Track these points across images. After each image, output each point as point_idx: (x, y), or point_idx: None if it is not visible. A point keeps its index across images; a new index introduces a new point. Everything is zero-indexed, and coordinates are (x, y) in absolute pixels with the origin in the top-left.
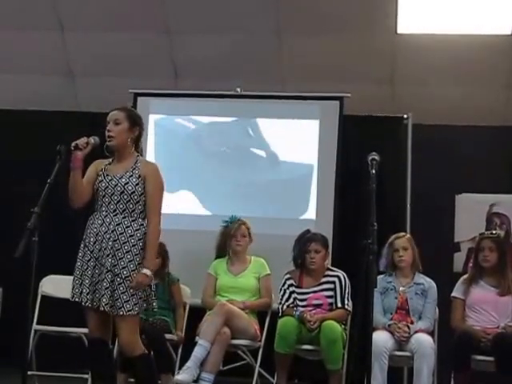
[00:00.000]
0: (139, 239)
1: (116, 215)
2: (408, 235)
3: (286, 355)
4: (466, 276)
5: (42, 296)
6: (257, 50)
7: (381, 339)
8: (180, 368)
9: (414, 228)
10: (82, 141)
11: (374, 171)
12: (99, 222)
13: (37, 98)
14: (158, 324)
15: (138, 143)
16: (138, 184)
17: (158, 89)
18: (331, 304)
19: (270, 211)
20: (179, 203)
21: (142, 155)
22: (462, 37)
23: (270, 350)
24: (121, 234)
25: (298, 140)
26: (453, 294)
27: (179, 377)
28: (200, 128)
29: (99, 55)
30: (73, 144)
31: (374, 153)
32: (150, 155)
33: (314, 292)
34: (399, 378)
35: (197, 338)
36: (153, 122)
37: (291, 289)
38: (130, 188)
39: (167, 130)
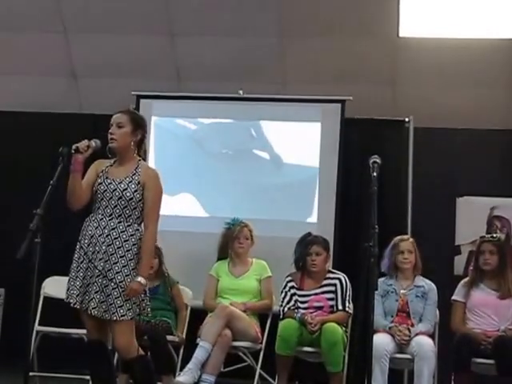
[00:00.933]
0: (133, 244)
1: (112, 219)
2: (411, 238)
3: (287, 357)
4: (466, 279)
5: (44, 297)
6: (259, 53)
7: (381, 342)
8: (181, 369)
9: (414, 231)
10: (82, 144)
11: (375, 174)
12: (94, 224)
13: (40, 99)
14: (159, 325)
15: (140, 146)
16: (136, 190)
17: (160, 91)
18: (332, 306)
19: (271, 213)
20: (181, 205)
21: (145, 158)
22: (464, 40)
23: (270, 352)
24: (115, 238)
25: (299, 143)
26: (453, 297)
27: (180, 378)
28: (201, 130)
29: (102, 57)
30: (73, 147)
31: (375, 156)
32: (152, 157)
33: (315, 294)
34: (400, 381)
35: (198, 339)
36: (154, 123)
37: (292, 291)
38: (128, 194)
39: (169, 132)
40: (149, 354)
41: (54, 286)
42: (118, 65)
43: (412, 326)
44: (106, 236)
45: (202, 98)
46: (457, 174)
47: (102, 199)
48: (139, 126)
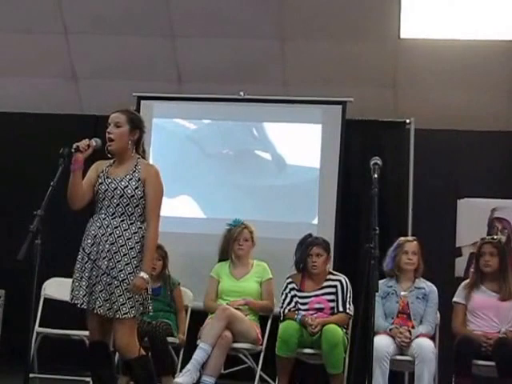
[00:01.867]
0: (137, 242)
1: (114, 218)
2: (416, 240)
3: (288, 359)
4: (467, 281)
5: (45, 298)
6: (260, 54)
7: (382, 343)
8: (181, 371)
9: (415, 232)
10: (83, 143)
11: (376, 176)
12: (97, 224)
13: (40, 100)
14: (160, 327)
15: (138, 146)
16: (137, 187)
17: (161, 92)
18: (333, 308)
19: (271, 215)
20: (182, 206)
21: (144, 157)
22: (465, 42)
23: (271, 354)
24: (118, 236)
25: (300, 144)
26: (454, 299)
27: (179, 379)
28: (202, 131)
29: (103, 58)
30: (74, 146)
31: (376, 157)
32: (152, 158)
33: (316, 296)
34: (400, 383)
35: (198, 341)
36: (155, 125)
37: (293, 293)
38: (129, 191)
39: (169, 133)
40: (149, 354)
41: (55, 288)
42: (119, 66)
43: (412, 327)
44: (109, 235)
45: (203, 99)
46: (458, 175)
47: (104, 199)
48: (137, 125)
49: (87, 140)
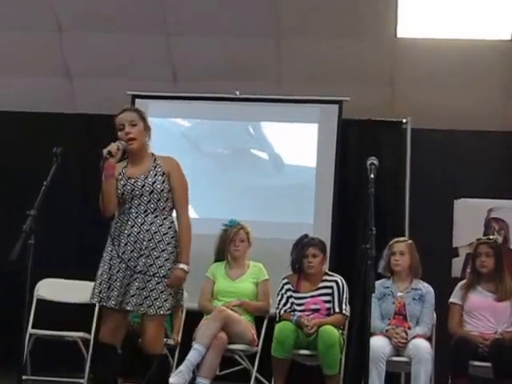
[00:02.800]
0: (172, 237)
1: (147, 215)
2: (409, 241)
3: (284, 360)
4: (463, 282)
5: (38, 300)
6: (256, 53)
7: (378, 344)
8: None
9: (412, 233)
10: (113, 147)
11: (372, 176)
12: (130, 223)
13: (34, 99)
14: None
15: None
16: (164, 181)
17: (156, 91)
18: (329, 309)
19: (268, 215)
20: None
21: None
22: (462, 41)
23: (267, 355)
24: (155, 232)
25: (296, 144)
26: (450, 300)
27: (171, 380)
28: (197, 130)
29: (97, 57)
30: (105, 151)
31: (372, 157)
32: None
33: (312, 297)
34: None
35: (193, 342)
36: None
37: (289, 293)
38: (158, 186)
39: (164, 132)
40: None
41: (48, 289)
42: (114, 64)
43: (409, 328)
44: (146, 231)
45: (198, 98)
46: (455, 175)
47: (133, 198)
48: (147, 122)
49: (116, 143)
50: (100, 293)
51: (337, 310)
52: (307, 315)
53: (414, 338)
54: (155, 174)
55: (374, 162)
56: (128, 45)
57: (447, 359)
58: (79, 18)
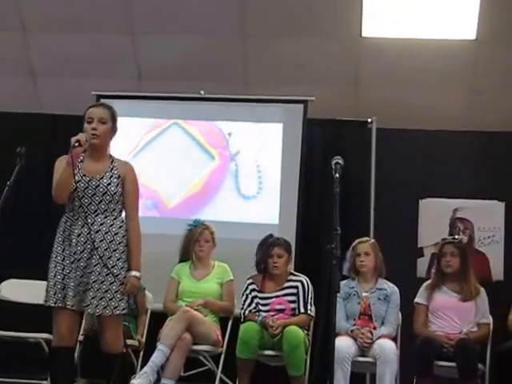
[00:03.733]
0: (123, 236)
1: (97, 215)
2: (372, 240)
3: (248, 361)
4: (428, 282)
5: (1, 300)
6: (221, 53)
7: (343, 345)
8: None
9: (377, 233)
10: (82, 137)
11: (337, 175)
12: (80, 223)
13: None
14: None
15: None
16: (118, 184)
17: (121, 90)
18: (294, 309)
19: (232, 215)
20: (141, 206)
21: None
22: (427, 41)
23: (231, 356)
24: (106, 233)
25: (261, 143)
26: (416, 300)
27: (135, 381)
28: (160, 129)
29: (62, 56)
30: (74, 140)
31: (337, 157)
32: None
33: (277, 297)
34: None
35: (157, 343)
36: None
37: (253, 294)
38: (112, 189)
39: (127, 131)
40: None
41: (11, 289)
42: (79, 64)
43: (374, 328)
44: (96, 232)
45: (163, 97)
46: (420, 175)
47: (84, 197)
48: (116, 123)
49: (84, 134)
50: (55, 294)
51: (302, 310)
52: (272, 315)
53: (379, 338)
54: (111, 176)
55: (339, 161)
56: (92, 44)
57: (412, 359)
58: (43, 18)
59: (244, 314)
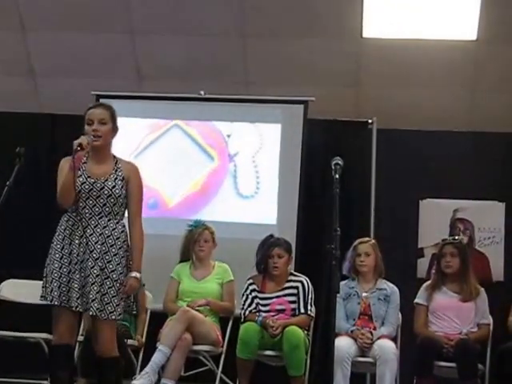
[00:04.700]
0: (124, 241)
1: (101, 218)
2: (372, 240)
3: (248, 361)
4: (428, 282)
5: (1, 300)
6: (221, 53)
7: (343, 345)
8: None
9: (377, 233)
10: (84, 140)
11: (337, 176)
12: (83, 224)
13: None
14: (118, 329)
15: None
16: (122, 187)
17: (121, 91)
18: (294, 309)
19: (232, 215)
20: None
21: None
22: (428, 42)
23: (231, 356)
24: (108, 236)
25: (260, 144)
26: (416, 301)
27: (136, 382)
28: (161, 130)
29: (61, 56)
30: (76, 143)
31: (337, 157)
32: None
33: (277, 297)
34: None
35: (158, 343)
36: None
37: (254, 294)
38: (117, 191)
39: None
40: None
41: (11, 289)
42: (78, 64)
43: (374, 329)
44: (99, 235)
45: (163, 98)
46: (420, 176)
47: (88, 198)
48: (116, 123)
49: (86, 137)
50: (52, 292)
51: (302, 310)
52: (272, 316)
53: (379, 338)
54: (115, 178)
55: (339, 162)
56: (93, 44)
57: (412, 360)
58: (43, 17)
59: (244, 314)
